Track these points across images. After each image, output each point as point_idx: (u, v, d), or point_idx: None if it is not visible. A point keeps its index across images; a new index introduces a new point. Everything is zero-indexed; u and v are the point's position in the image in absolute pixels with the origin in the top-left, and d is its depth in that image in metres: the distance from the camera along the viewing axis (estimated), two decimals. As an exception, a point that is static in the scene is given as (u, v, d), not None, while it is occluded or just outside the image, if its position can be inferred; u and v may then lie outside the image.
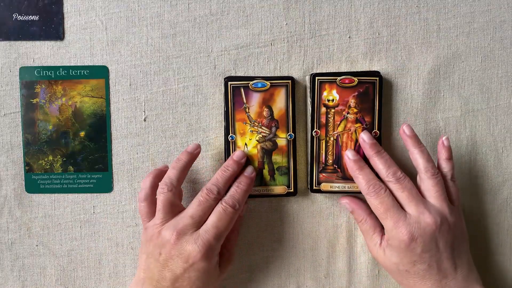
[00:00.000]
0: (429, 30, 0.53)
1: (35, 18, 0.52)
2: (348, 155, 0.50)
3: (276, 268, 0.54)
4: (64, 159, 0.53)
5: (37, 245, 0.54)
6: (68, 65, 0.52)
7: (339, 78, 0.50)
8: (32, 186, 0.53)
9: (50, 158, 0.53)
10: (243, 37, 0.53)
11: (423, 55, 0.53)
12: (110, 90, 0.53)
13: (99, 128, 0.53)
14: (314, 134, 0.51)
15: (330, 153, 0.51)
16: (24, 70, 0.52)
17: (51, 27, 0.52)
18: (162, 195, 0.47)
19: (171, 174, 0.48)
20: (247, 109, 0.51)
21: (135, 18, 0.52)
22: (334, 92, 0.51)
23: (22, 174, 0.53)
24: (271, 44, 0.53)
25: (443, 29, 0.53)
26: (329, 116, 0.51)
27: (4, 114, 0.53)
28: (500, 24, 0.53)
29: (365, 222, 0.50)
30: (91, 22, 0.52)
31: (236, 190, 0.48)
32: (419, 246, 0.45)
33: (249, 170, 0.50)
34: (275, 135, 0.51)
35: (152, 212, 0.48)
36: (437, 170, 0.48)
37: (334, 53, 0.53)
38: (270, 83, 0.50)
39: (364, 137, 0.50)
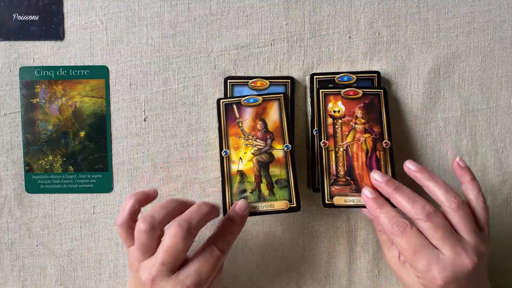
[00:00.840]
0: (429, 30, 0.53)
1: (35, 18, 0.52)
2: (366, 194, 0.46)
3: (276, 268, 0.54)
4: (64, 159, 0.53)
5: (37, 245, 0.54)
6: (68, 65, 0.52)
7: (343, 90, 0.50)
8: (32, 186, 0.53)
9: (50, 158, 0.53)
10: (243, 37, 0.53)
11: (423, 55, 0.53)
12: (110, 90, 0.53)
13: (99, 128, 0.53)
14: (322, 145, 0.49)
15: (340, 164, 0.49)
16: (24, 70, 0.52)
17: (51, 27, 0.52)
18: (138, 234, 0.41)
19: (156, 214, 0.42)
20: (240, 124, 0.49)
21: (135, 18, 0.52)
22: (340, 103, 0.50)
23: (22, 174, 0.53)
24: (271, 44, 0.53)
25: (443, 29, 0.53)
26: (336, 126, 0.50)
27: (4, 114, 0.53)
28: (500, 24, 0.53)
29: (384, 233, 0.47)
30: (91, 22, 0.52)
31: (224, 230, 0.44)
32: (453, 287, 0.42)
33: (242, 206, 0.46)
34: (271, 147, 0.49)
35: (131, 237, 0.44)
36: (460, 198, 0.43)
37: (334, 53, 0.53)
38: (262, 97, 0.50)
39: (376, 177, 0.46)
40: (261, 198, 0.48)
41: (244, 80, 0.51)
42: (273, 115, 0.50)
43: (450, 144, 0.54)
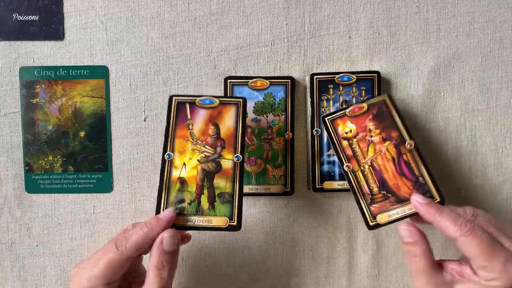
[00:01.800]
0: (429, 30, 0.53)
1: (35, 18, 0.52)
2: (418, 200, 0.44)
3: (276, 268, 0.54)
4: (64, 159, 0.53)
5: (37, 245, 0.54)
6: (68, 65, 0.52)
7: (347, 110, 0.48)
8: (32, 186, 0.53)
9: (50, 158, 0.53)
10: (243, 37, 0.53)
11: (423, 55, 0.53)
12: (110, 90, 0.53)
13: (99, 128, 0.53)
14: (346, 169, 0.48)
15: (371, 181, 0.47)
16: (24, 70, 0.52)
17: (51, 27, 0.52)
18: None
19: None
20: (190, 126, 0.45)
21: (135, 18, 0.52)
22: (348, 123, 0.49)
23: (22, 174, 0.53)
24: (271, 44, 0.53)
25: (443, 29, 0.53)
26: (353, 146, 0.48)
27: (4, 114, 0.53)
28: (500, 24, 0.53)
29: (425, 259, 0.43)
30: (91, 22, 0.52)
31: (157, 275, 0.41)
32: None
33: (168, 242, 0.42)
34: (220, 156, 0.45)
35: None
36: (470, 224, 0.41)
37: (334, 53, 0.53)
38: (220, 100, 0.46)
39: (418, 199, 0.45)
40: (199, 212, 0.44)
41: (244, 80, 0.51)
42: (228, 120, 0.46)
43: (450, 144, 0.54)
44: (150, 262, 0.42)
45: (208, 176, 0.45)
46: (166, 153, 0.45)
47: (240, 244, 0.54)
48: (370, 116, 0.48)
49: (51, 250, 0.54)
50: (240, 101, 0.46)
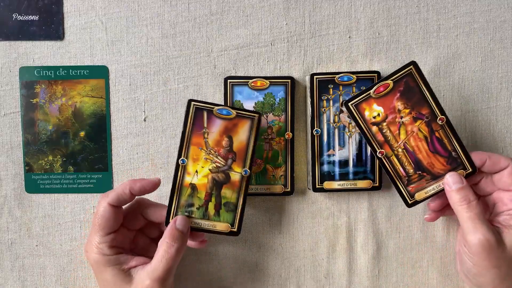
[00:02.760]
0: (429, 30, 0.53)
1: (35, 18, 0.52)
2: (449, 183, 0.47)
3: (276, 268, 0.54)
4: (64, 159, 0.53)
5: (37, 245, 0.54)
6: (68, 65, 0.52)
7: (371, 91, 0.47)
8: (32, 186, 0.53)
9: (50, 158, 0.53)
10: (243, 37, 0.53)
11: (423, 55, 0.53)
12: (110, 90, 0.53)
13: (99, 128, 0.53)
14: (379, 155, 0.47)
15: (406, 164, 0.47)
16: (24, 70, 0.52)
17: (51, 27, 0.52)
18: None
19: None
20: (206, 135, 0.47)
21: (135, 18, 0.52)
22: (375, 106, 0.47)
23: (22, 174, 0.53)
24: (271, 44, 0.53)
25: (443, 29, 0.53)
26: (384, 131, 0.47)
27: (4, 114, 0.53)
28: (500, 24, 0.53)
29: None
30: (91, 22, 0.52)
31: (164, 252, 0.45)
32: None
33: (180, 222, 0.46)
34: (230, 168, 0.47)
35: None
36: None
37: (334, 53, 0.53)
38: (237, 113, 0.47)
39: (450, 179, 0.47)
40: (205, 216, 0.47)
41: (244, 80, 0.51)
42: (242, 134, 0.47)
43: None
44: (161, 239, 0.45)
45: (217, 185, 0.48)
46: (181, 159, 0.47)
47: (240, 244, 0.54)
48: (398, 95, 0.47)
49: (51, 250, 0.54)
50: (255, 117, 0.48)
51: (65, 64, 0.52)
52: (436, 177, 0.48)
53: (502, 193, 0.48)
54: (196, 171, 0.47)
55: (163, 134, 0.53)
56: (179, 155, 0.47)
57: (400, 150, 0.48)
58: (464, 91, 0.54)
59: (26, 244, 0.53)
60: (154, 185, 0.47)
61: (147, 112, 0.53)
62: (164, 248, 0.45)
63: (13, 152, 0.53)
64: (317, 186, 0.52)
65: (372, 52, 0.53)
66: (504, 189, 0.48)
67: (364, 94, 0.47)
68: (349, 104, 0.48)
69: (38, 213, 0.53)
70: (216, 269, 0.54)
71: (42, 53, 0.52)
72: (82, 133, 0.53)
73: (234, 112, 0.47)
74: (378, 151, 0.48)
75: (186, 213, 0.47)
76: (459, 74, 0.53)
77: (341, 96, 0.51)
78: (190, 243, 0.49)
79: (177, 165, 0.47)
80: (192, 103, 0.47)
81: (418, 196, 0.48)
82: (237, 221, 0.48)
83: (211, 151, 0.47)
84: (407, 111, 0.47)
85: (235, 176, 0.48)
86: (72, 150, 0.53)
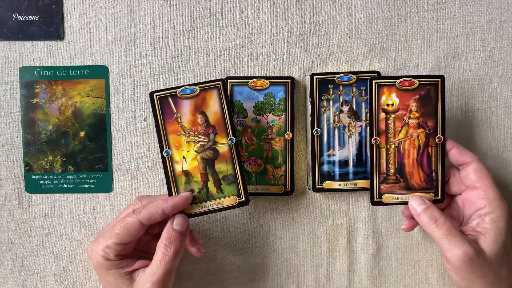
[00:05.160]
0: (429, 30, 0.53)
1: (35, 18, 0.52)
2: (414, 207, 0.48)
3: (276, 268, 0.54)
4: (64, 159, 0.53)
5: (37, 245, 0.54)
6: (68, 65, 0.52)
7: (398, 80, 0.48)
8: (32, 186, 0.53)
9: (50, 158, 0.53)
10: (243, 37, 0.53)
11: (423, 55, 0.53)
12: (110, 90, 0.53)
13: (99, 128, 0.53)
14: (373, 142, 0.48)
15: (391, 162, 0.48)
16: (24, 70, 0.52)
17: (51, 27, 0.52)
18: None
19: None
20: (179, 119, 0.46)
21: (135, 18, 0.52)
22: (394, 96, 0.48)
23: (22, 174, 0.53)
24: (271, 44, 0.53)
25: (443, 29, 0.53)
26: (389, 122, 0.48)
27: (4, 114, 0.53)
28: (500, 24, 0.53)
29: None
30: (91, 22, 0.52)
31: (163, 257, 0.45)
32: None
33: (178, 222, 0.46)
34: (215, 142, 0.47)
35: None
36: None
37: (334, 53, 0.53)
38: (200, 87, 0.46)
39: (414, 203, 0.48)
40: (209, 197, 0.47)
41: (244, 80, 0.51)
42: (214, 106, 0.47)
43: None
44: (160, 240, 0.45)
45: (208, 163, 0.47)
46: (164, 151, 0.47)
47: (240, 244, 0.54)
48: (417, 96, 0.48)
49: (51, 250, 0.54)
50: (219, 84, 0.47)
51: (65, 64, 0.52)
52: (409, 188, 0.49)
53: (469, 192, 0.48)
54: (184, 157, 0.47)
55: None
56: (161, 148, 0.47)
57: (393, 146, 0.48)
58: (464, 91, 0.54)
59: (26, 244, 0.53)
60: (187, 200, 0.46)
61: (147, 112, 0.53)
62: (162, 250, 0.44)
63: (13, 152, 0.53)
64: (317, 186, 0.52)
65: (372, 52, 0.53)
66: (471, 186, 0.48)
67: (390, 80, 0.48)
68: (374, 81, 0.48)
69: (38, 213, 0.53)
70: (216, 269, 0.54)
71: (42, 53, 0.52)
72: (82, 133, 0.53)
73: (197, 88, 0.47)
74: (374, 137, 0.48)
75: (190, 191, 0.47)
76: (459, 74, 0.53)
77: (341, 96, 0.51)
78: (189, 248, 0.49)
79: (163, 159, 0.47)
80: (154, 94, 0.46)
81: (385, 198, 0.49)
82: (242, 190, 0.47)
83: (190, 132, 0.47)
84: (417, 114, 0.48)
85: (223, 147, 0.47)
86: (72, 150, 0.53)
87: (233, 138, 0.47)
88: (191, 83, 0.47)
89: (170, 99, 0.46)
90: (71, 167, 0.53)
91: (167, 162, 0.47)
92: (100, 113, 0.53)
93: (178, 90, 0.46)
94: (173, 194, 0.47)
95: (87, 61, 0.52)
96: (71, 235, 0.54)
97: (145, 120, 0.53)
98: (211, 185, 0.47)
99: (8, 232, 0.53)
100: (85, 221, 0.53)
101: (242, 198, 0.47)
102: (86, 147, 0.53)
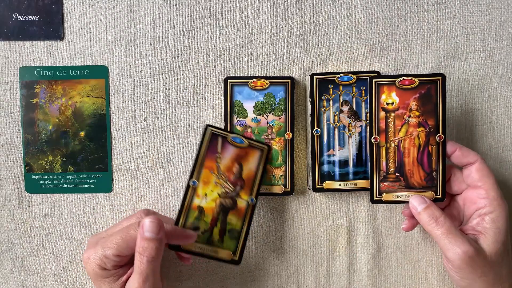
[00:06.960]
0: (429, 30, 0.53)
1: (35, 18, 0.52)
2: (414, 206, 0.48)
3: (276, 268, 0.54)
4: (64, 159, 0.53)
5: (37, 245, 0.54)
6: (68, 65, 0.52)
7: (398, 79, 0.48)
8: (32, 186, 0.53)
9: (50, 158, 0.53)
10: (243, 37, 0.53)
11: (423, 55, 0.53)
12: (110, 90, 0.53)
13: (99, 128, 0.53)
14: (373, 140, 0.48)
15: (391, 160, 0.48)
16: (24, 70, 0.52)
17: (51, 27, 0.52)
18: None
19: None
20: (218, 159, 0.48)
21: (135, 18, 0.52)
22: (394, 94, 0.48)
23: (22, 174, 0.53)
24: (271, 44, 0.53)
25: (443, 29, 0.53)
26: (389, 120, 0.48)
27: (4, 114, 0.53)
28: (500, 24, 0.53)
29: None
30: (91, 22, 0.52)
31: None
32: None
33: (147, 228, 0.43)
34: (238, 195, 0.49)
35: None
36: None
37: (334, 53, 0.53)
38: (249, 142, 0.49)
39: (414, 202, 0.48)
40: (209, 242, 0.48)
41: (244, 80, 0.51)
42: (252, 163, 0.49)
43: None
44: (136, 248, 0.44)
45: (223, 210, 0.48)
46: (192, 180, 0.48)
47: (240, 244, 0.54)
48: (417, 95, 0.48)
49: (51, 250, 0.54)
50: (265, 148, 0.50)
51: (65, 64, 0.52)
52: (409, 187, 0.49)
53: (470, 191, 0.48)
54: (206, 194, 0.48)
55: (163, 134, 0.53)
56: (191, 177, 0.48)
57: (392, 145, 0.48)
58: (464, 91, 0.54)
59: (26, 244, 0.53)
60: (191, 240, 0.46)
61: (147, 112, 0.53)
62: (137, 258, 0.43)
63: (13, 152, 0.53)
64: (317, 186, 0.52)
65: (372, 52, 0.53)
66: (472, 185, 0.48)
67: (390, 79, 0.48)
68: (374, 80, 0.48)
69: (38, 213, 0.53)
70: (216, 269, 0.54)
71: (42, 53, 0.52)
72: (82, 133, 0.53)
73: (246, 142, 0.49)
74: (374, 136, 0.48)
75: (195, 228, 0.47)
76: (459, 74, 0.53)
77: (341, 96, 0.51)
78: (177, 254, 0.49)
79: (188, 186, 0.48)
80: (209, 128, 0.48)
81: (385, 196, 0.49)
82: (239, 249, 0.48)
83: (222, 175, 0.48)
84: (417, 113, 0.48)
85: (242, 203, 0.49)
86: (72, 150, 0.53)
87: (254, 199, 0.49)
88: (244, 135, 0.50)
89: (219, 139, 0.49)
90: (71, 167, 0.53)
91: (189, 192, 0.48)
92: (100, 113, 0.53)
93: (230, 135, 0.49)
94: (180, 222, 0.47)
95: (87, 61, 0.52)
96: (71, 235, 0.54)
97: (145, 120, 0.53)
98: (216, 231, 0.48)
99: (8, 232, 0.53)
100: (85, 221, 0.53)
101: (236, 257, 0.48)
102: (86, 147, 0.53)
